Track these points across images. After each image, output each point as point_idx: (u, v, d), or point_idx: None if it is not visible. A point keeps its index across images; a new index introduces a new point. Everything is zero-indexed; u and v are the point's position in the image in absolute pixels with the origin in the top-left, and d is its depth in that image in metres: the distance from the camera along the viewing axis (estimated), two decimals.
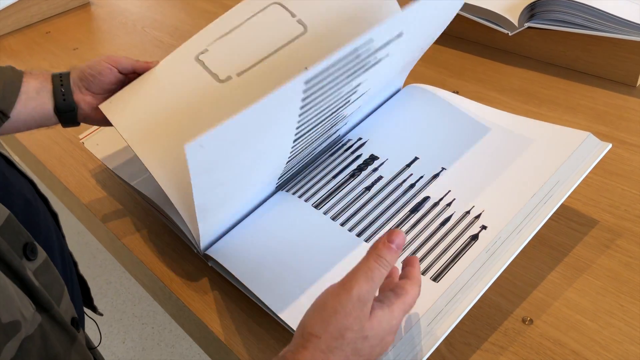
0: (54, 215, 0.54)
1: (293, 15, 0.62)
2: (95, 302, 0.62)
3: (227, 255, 0.57)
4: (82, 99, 0.62)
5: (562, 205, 0.57)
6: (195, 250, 0.63)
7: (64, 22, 1.31)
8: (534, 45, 0.87)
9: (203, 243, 0.57)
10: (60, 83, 0.62)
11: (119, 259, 0.76)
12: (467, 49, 0.93)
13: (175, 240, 0.67)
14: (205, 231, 0.56)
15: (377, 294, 0.42)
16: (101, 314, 0.67)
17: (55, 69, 1.10)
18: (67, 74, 0.63)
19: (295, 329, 0.50)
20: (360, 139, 0.66)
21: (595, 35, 0.78)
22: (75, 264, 0.58)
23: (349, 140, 0.66)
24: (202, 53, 0.62)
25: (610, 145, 0.57)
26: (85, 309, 0.63)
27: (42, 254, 0.46)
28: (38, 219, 0.50)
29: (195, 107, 0.59)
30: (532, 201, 0.53)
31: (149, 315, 1.60)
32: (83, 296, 0.62)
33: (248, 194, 0.56)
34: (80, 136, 0.75)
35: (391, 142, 0.65)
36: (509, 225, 0.51)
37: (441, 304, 0.47)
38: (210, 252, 0.59)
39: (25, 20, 1.30)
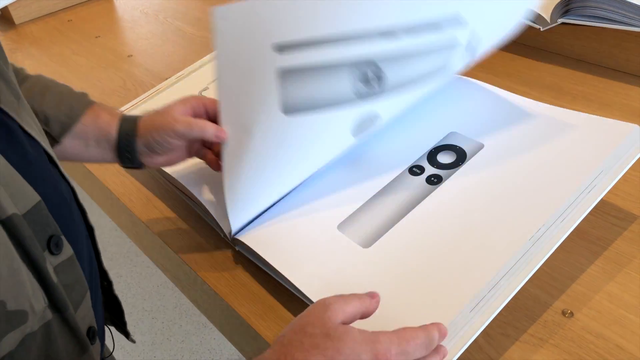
0: (90, 229, 0.51)
1: None
2: None
3: (257, 239, 0.56)
4: (150, 161, 0.59)
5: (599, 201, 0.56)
6: (222, 235, 0.62)
7: (86, 11, 1.30)
8: (566, 41, 0.86)
9: (234, 227, 0.56)
10: (127, 148, 0.58)
11: (140, 243, 0.75)
12: None
13: (201, 224, 0.65)
14: (235, 213, 0.55)
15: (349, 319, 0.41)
16: (133, 341, 0.65)
17: (78, 55, 1.10)
18: (133, 134, 0.57)
19: None
20: None
21: (631, 31, 0.77)
22: (110, 283, 0.57)
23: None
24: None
25: None
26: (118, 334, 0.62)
27: (67, 250, 0.43)
28: (71, 221, 0.46)
29: None
30: (577, 190, 0.51)
31: (159, 309, 1.58)
32: (116, 318, 0.60)
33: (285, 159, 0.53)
34: (122, 108, 0.74)
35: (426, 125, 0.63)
36: (554, 214, 0.50)
37: (484, 291, 0.46)
38: (239, 236, 0.58)
39: (47, 8, 1.30)
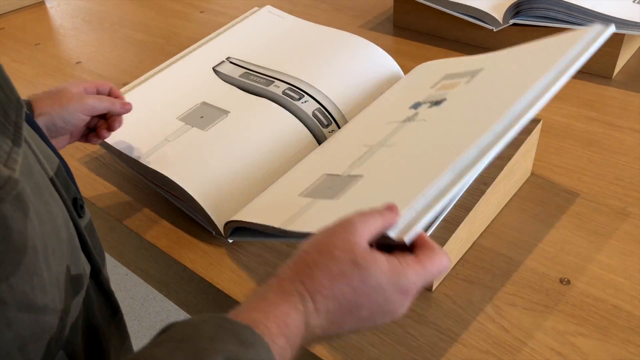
0: None
1: None
2: None
3: (247, 214, 0.55)
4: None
5: (572, 180, 0.62)
6: (214, 233, 0.60)
7: (19, 19, 1.23)
8: (516, 42, 0.91)
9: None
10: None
11: (116, 251, 0.71)
12: (449, 47, 0.97)
13: (187, 223, 0.63)
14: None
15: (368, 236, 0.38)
16: None
17: (18, 63, 1.04)
18: (31, 113, 0.55)
19: None
20: None
21: (575, 30, 0.84)
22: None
23: None
24: None
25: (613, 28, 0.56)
26: None
27: (87, 213, 0.41)
28: (77, 185, 0.44)
29: None
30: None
31: None
32: None
33: None
34: None
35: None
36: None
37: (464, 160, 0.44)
38: (234, 217, 0.56)
39: None
